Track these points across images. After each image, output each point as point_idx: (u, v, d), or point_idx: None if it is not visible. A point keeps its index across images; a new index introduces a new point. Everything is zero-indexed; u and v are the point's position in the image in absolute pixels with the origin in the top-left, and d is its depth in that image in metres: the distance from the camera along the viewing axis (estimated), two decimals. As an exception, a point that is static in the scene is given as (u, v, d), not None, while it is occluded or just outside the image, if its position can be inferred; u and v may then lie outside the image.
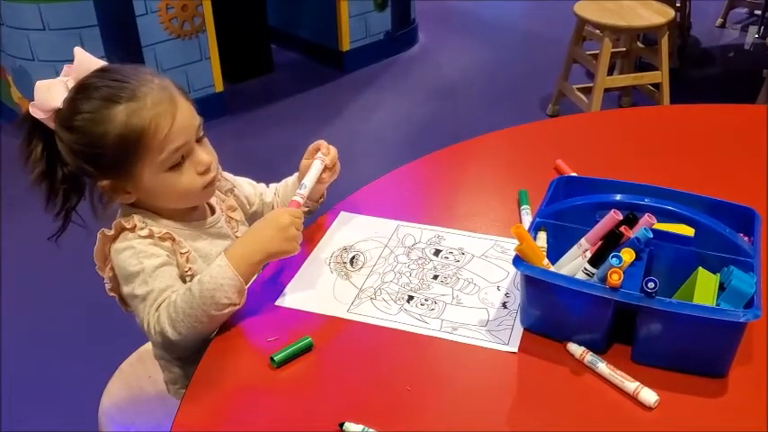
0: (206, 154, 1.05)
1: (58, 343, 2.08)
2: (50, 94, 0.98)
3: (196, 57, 3.11)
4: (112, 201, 1.05)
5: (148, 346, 1.31)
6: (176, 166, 1.01)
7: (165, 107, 0.99)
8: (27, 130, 1.02)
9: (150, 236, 1.02)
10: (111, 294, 1.10)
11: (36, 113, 0.99)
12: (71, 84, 1.00)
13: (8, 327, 2.13)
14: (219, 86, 3.23)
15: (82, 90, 0.99)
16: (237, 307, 0.99)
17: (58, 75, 1.02)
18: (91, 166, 1.00)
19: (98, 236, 1.04)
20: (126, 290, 1.02)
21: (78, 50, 1.02)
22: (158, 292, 0.99)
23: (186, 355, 1.10)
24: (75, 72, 1.01)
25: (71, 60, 1.02)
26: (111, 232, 1.03)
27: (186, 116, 1.01)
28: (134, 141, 0.98)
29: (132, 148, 0.98)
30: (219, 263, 0.98)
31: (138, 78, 0.99)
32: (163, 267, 1.01)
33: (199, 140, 1.04)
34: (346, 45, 3.69)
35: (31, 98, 1.00)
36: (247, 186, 1.26)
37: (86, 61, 1.02)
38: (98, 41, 2.81)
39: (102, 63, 1.03)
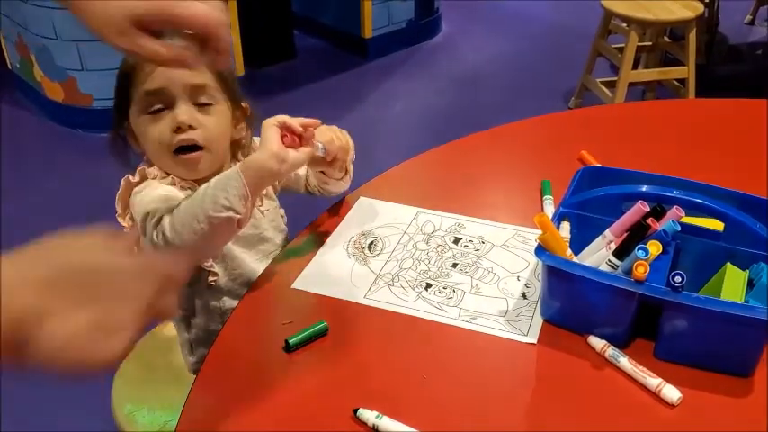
0: (188, 116, 1.00)
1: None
2: None
3: (218, 40, 3.10)
4: (135, 148, 1.08)
5: (163, 326, 1.31)
6: (155, 114, 1.02)
7: None
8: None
9: (173, 183, 1.04)
10: None
11: None
12: None
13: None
14: (241, 71, 3.23)
15: None
16: (237, 217, 0.92)
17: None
18: (114, 109, 1.07)
19: (122, 182, 1.05)
20: (140, 218, 0.98)
21: None
22: (167, 209, 0.95)
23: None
24: None
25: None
26: (136, 178, 1.05)
27: None
28: (125, 77, 1.02)
29: (124, 85, 1.03)
30: (231, 169, 0.94)
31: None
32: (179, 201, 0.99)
33: (200, 105, 1.02)
34: (369, 32, 3.67)
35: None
36: None
37: None
38: (121, 22, 2.82)
39: None
